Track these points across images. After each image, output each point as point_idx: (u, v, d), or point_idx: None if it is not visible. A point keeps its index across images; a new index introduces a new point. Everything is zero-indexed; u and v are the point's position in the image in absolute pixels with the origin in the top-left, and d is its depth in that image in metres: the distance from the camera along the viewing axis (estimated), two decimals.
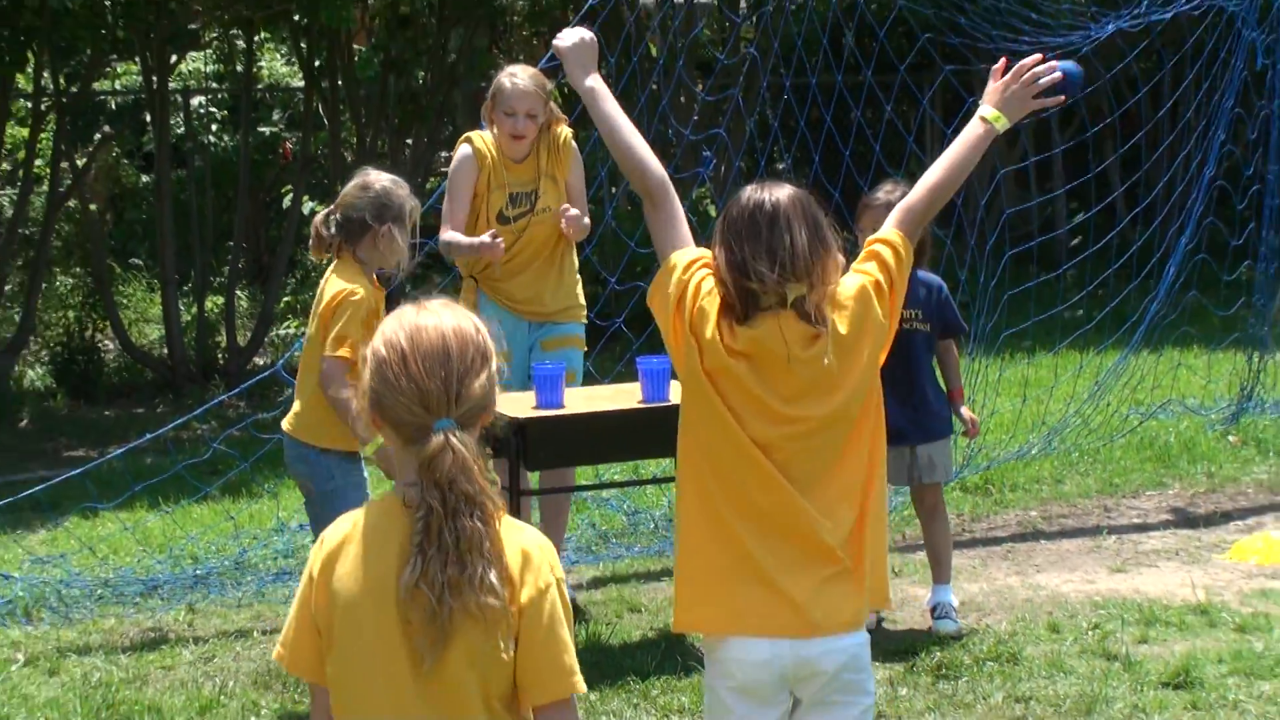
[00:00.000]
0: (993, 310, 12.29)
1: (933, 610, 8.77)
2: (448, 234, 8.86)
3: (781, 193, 4.77)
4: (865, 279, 4.81)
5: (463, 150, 8.98)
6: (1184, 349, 14.59)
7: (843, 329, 4.72)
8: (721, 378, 4.71)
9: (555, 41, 5.22)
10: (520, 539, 3.74)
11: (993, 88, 5.08)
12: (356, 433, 7.22)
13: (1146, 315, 13.06)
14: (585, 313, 9.39)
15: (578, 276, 9.33)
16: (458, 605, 3.58)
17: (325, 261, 8.02)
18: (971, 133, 4.98)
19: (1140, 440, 12.57)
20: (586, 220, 9.10)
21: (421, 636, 3.62)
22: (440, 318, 3.76)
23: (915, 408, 8.54)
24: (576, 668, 3.73)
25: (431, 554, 3.58)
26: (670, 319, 4.78)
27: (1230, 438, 12.78)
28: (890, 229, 4.89)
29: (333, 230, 7.69)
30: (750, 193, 4.81)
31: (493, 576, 3.61)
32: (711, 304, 4.71)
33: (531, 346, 9.07)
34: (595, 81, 5.09)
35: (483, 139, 8.96)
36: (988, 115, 5.04)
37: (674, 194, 4.87)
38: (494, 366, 3.80)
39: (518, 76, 8.82)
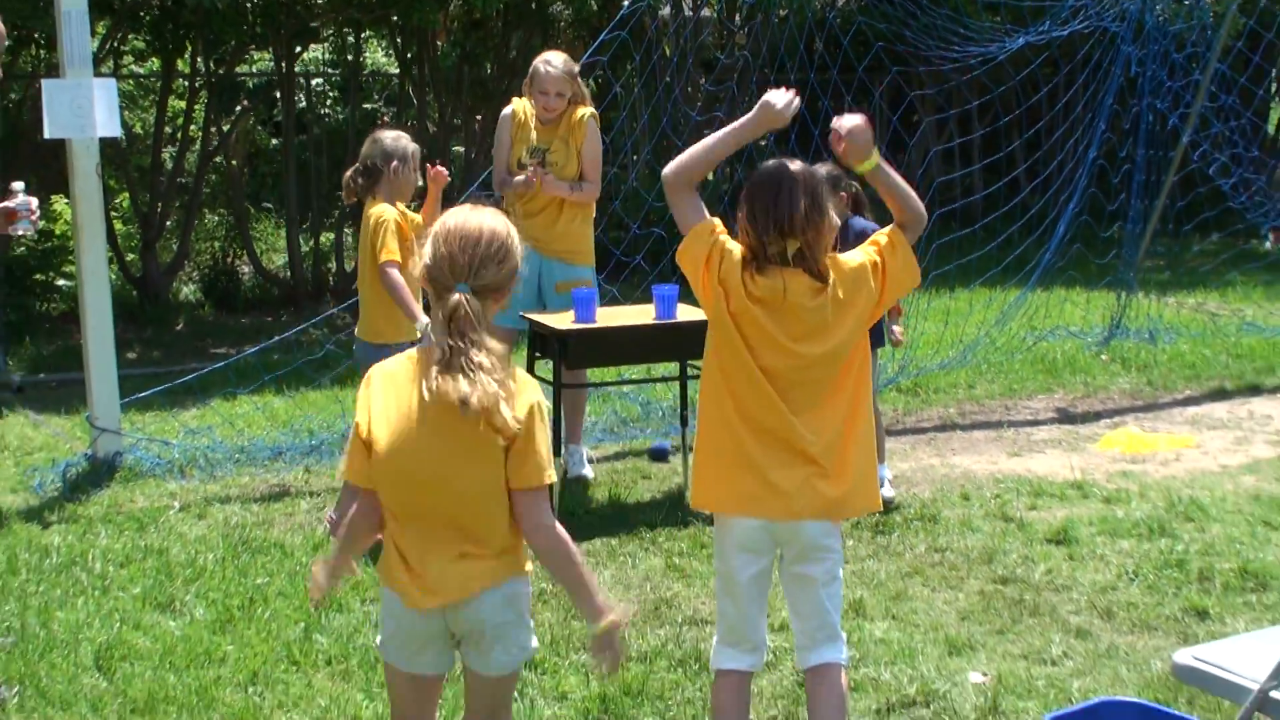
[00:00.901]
0: (924, 256, 12.32)
1: None
2: (501, 176, 9.05)
3: (794, 167, 4.93)
4: (866, 258, 4.99)
5: (505, 111, 9.12)
6: (1069, 288, 14.59)
7: (841, 292, 4.88)
8: (742, 318, 4.86)
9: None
10: (517, 374, 4.24)
11: (844, 151, 5.06)
12: (409, 311, 7.73)
13: (1041, 262, 13.11)
14: (592, 258, 9.41)
15: (588, 230, 9.32)
16: (468, 409, 4.03)
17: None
18: (879, 181, 5.08)
19: (1034, 357, 12.63)
20: (589, 184, 9.16)
21: (443, 427, 4.12)
22: (483, 217, 4.21)
23: None
24: (546, 467, 4.21)
25: (449, 376, 4.05)
26: (700, 273, 4.92)
27: (1102, 356, 12.83)
28: (890, 227, 5.09)
29: (360, 181, 7.95)
30: (770, 165, 4.97)
31: (490, 391, 4.05)
32: (734, 261, 4.87)
33: (541, 276, 9.09)
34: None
35: (522, 105, 9.04)
36: (863, 168, 5.08)
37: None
38: (515, 263, 4.23)
39: (551, 63, 8.89)
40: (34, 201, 6.42)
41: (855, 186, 8.96)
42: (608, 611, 4.21)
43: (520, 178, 8.85)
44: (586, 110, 9.12)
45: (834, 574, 5.05)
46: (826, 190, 4.96)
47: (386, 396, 4.23)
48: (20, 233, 6.45)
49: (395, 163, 7.93)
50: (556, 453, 8.72)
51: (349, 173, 8.08)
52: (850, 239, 8.77)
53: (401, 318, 7.87)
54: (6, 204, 6.27)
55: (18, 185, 6.37)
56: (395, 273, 7.78)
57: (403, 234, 7.85)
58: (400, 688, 4.50)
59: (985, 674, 6.23)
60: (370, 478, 4.26)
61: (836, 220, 4.98)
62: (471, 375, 4.04)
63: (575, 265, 9.20)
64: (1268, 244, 17.74)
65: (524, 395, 4.20)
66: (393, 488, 4.24)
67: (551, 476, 4.25)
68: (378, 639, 4.55)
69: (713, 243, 4.90)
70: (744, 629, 5.10)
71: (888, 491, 8.73)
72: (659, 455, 9.87)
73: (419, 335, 7.54)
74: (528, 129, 8.94)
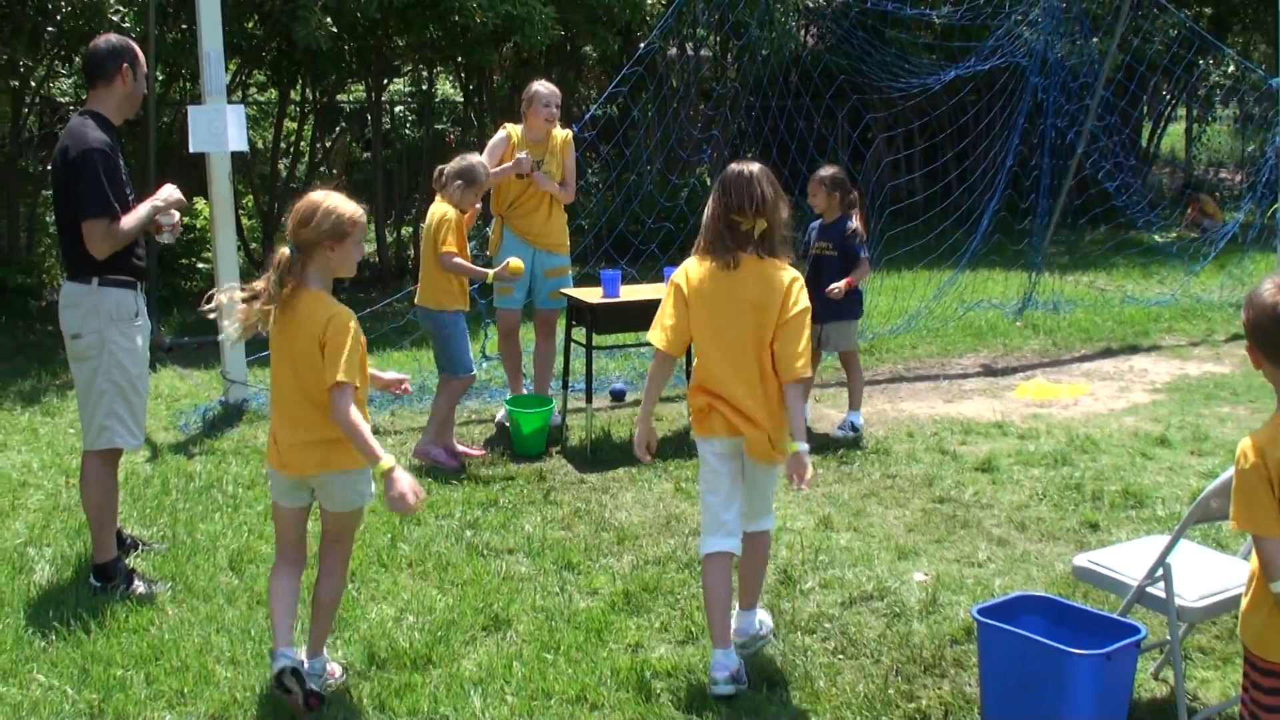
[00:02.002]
0: (877, 245, 12.31)
1: (841, 424, 8.85)
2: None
3: (755, 166, 5.10)
4: (798, 281, 5.10)
5: (501, 133, 8.90)
6: (991, 269, 14.56)
7: (777, 286, 5.03)
8: (696, 300, 5.13)
9: None
10: (320, 302, 4.83)
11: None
12: (474, 275, 8.19)
13: (969, 249, 13.06)
14: (568, 249, 9.29)
15: (566, 227, 9.22)
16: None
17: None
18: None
19: (964, 324, 12.59)
20: (568, 187, 9.05)
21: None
22: (311, 194, 4.97)
23: (823, 303, 8.58)
24: (339, 372, 4.68)
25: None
26: (672, 292, 5.21)
27: (1017, 323, 12.79)
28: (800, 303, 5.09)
29: (442, 180, 8.00)
30: (736, 166, 5.12)
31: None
32: (692, 269, 5.17)
33: (534, 265, 8.97)
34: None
35: (514, 129, 8.86)
36: (795, 448, 5.00)
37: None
38: (327, 227, 4.84)
39: (548, 86, 8.84)
40: (178, 217, 6.41)
41: (853, 193, 8.91)
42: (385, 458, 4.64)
43: (510, 163, 8.74)
44: (568, 132, 9.07)
45: (775, 472, 5.32)
46: (779, 183, 5.13)
47: None
48: (163, 240, 6.43)
49: (461, 183, 8.00)
50: (590, 400, 8.72)
51: (438, 171, 8.20)
52: (843, 235, 8.74)
53: (454, 290, 8.14)
54: (158, 218, 6.27)
55: (171, 187, 6.35)
56: (454, 260, 7.96)
57: (459, 229, 8.00)
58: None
59: (926, 574, 6.22)
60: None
61: (786, 209, 5.11)
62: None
63: (558, 254, 9.14)
64: (1157, 236, 17.69)
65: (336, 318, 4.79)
66: None
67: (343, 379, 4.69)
68: None
69: (678, 276, 5.21)
70: (724, 516, 5.21)
71: (851, 433, 8.74)
72: (618, 396, 9.98)
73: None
74: (517, 149, 8.78)
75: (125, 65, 6.11)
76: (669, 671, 5.24)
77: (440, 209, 8.02)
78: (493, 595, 6.01)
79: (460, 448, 8.38)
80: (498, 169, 8.67)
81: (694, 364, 5.25)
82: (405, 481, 4.60)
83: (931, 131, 17.41)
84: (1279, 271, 7.87)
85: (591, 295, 8.66)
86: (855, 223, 8.73)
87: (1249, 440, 3.62)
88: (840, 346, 8.95)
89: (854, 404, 8.94)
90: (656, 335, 5.19)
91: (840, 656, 5.41)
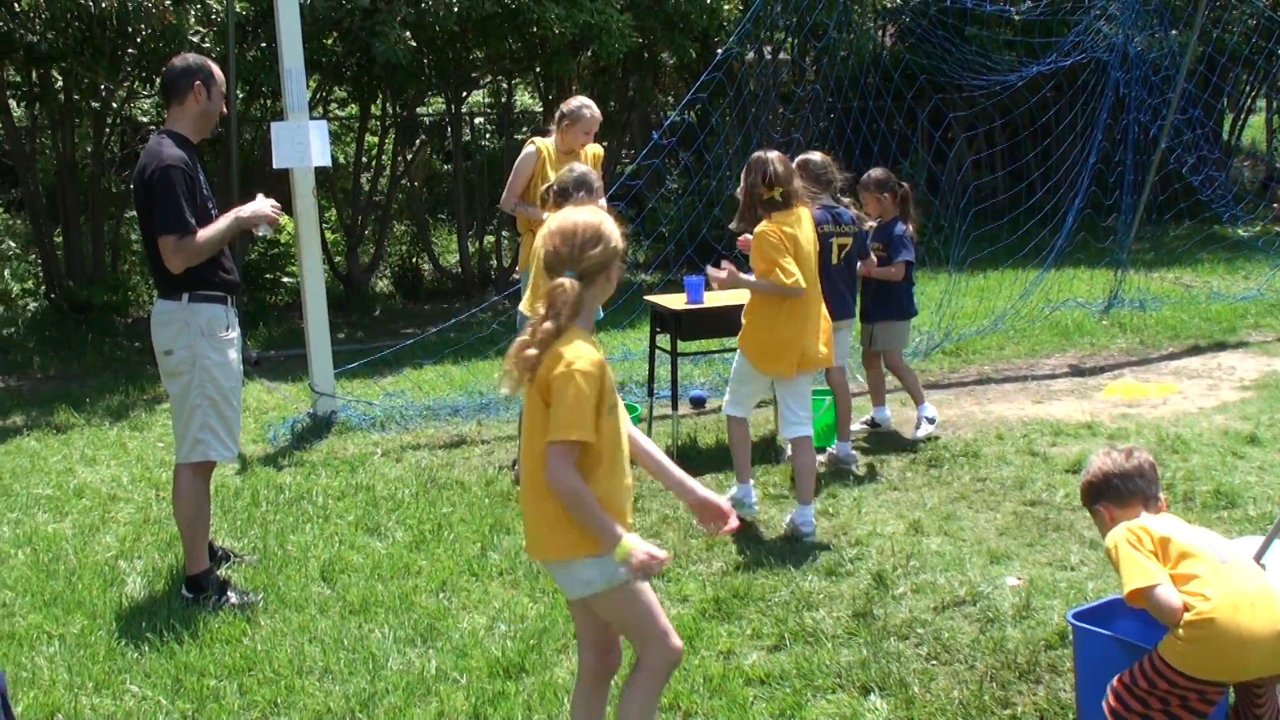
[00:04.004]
0: (961, 246, 12.20)
1: (918, 423, 8.78)
2: (512, 200, 8.54)
3: (772, 152, 6.95)
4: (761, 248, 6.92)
5: (529, 148, 8.56)
6: (1076, 268, 14.36)
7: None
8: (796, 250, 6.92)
9: None
10: (564, 347, 3.88)
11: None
12: None
13: (1054, 248, 12.89)
14: None
15: None
16: (524, 372, 3.92)
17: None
18: None
19: (1050, 323, 12.42)
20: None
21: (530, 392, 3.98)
22: (580, 214, 4.00)
23: (873, 302, 8.72)
24: (560, 426, 3.83)
25: (528, 341, 3.92)
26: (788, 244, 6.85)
27: (1103, 322, 12.61)
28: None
29: (552, 197, 7.92)
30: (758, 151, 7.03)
31: (537, 357, 3.89)
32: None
33: None
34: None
35: (544, 143, 8.57)
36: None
37: None
38: (612, 246, 3.98)
39: (591, 108, 8.49)
40: (271, 211, 6.46)
41: (904, 188, 8.83)
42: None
43: (541, 212, 8.52)
44: (598, 147, 8.88)
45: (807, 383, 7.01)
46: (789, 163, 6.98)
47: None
48: (261, 234, 6.49)
49: (582, 193, 7.86)
50: (675, 407, 8.69)
51: (544, 188, 7.98)
52: (893, 239, 8.66)
53: None
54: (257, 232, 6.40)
55: (263, 201, 6.42)
56: None
57: None
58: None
59: (1019, 578, 6.13)
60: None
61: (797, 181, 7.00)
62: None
63: None
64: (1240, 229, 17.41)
65: (562, 361, 3.87)
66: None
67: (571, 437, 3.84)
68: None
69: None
70: (749, 403, 7.21)
71: (927, 429, 8.65)
72: (698, 403, 9.92)
73: None
74: (550, 162, 8.48)
75: (198, 84, 6.18)
76: (761, 679, 5.20)
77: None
78: None
79: None
80: (526, 208, 8.46)
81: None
82: (641, 551, 3.88)
83: (1013, 129, 17.25)
84: None
85: (675, 302, 8.64)
86: (905, 226, 8.66)
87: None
88: (887, 346, 8.85)
89: (917, 399, 8.85)
90: (795, 280, 6.72)
91: (934, 662, 5.34)
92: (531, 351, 3.87)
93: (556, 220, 3.99)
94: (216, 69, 6.28)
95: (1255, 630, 4.04)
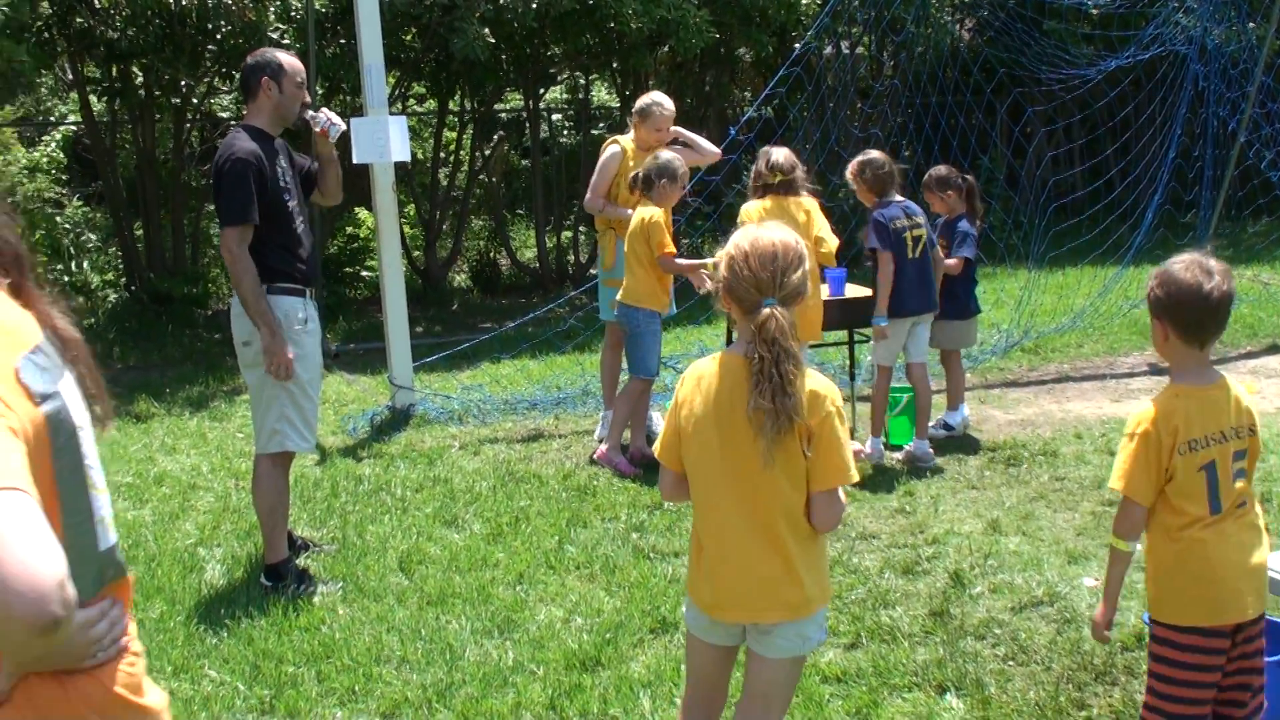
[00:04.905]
0: (1040, 242, 12.08)
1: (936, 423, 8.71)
2: (598, 201, 8.58)
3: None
4: None
5: (613, 148, 8.66)
6: (1155, 264, 14.09)
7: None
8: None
9: None
10: (812, 383, 3.56)
11: None
12: (694, 274, 8.09)
13: (1133, 244, 12.73)
14: None
15: None
16: (783, 421, 3.47)
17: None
18: None
19: (1129, 321, 12.24)
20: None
21: (761, 439, 3.49)
22: (772, 232, 3.63)
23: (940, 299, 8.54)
24: (846, 469, 3.57)
25: (764, 388, 3.46)
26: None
27: None
28: None
29: (638, 184, 7.94)
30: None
31: (800, 402, 3.49)
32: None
33: None
34: None
35: (628, 140, 8.65)
36: None
37: None
38: (807, 267, 3.63)
39: (665, 106, 8.53)
40: (326, 114, 6.51)
41: (969, 181, 8.74)
42: None
43: (625, 210, 8.42)
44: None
45: None
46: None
47: (700, 404, 3.65)
48: (333, 139, 6.48)
49: (665, 180, 7.91)
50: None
51: (632, 175, 8.10)
52: (955, 234, 8.58)
53: (657, 290, 8.04)
54: (316, 129, 6.46)
55: (310, 113, 6.47)
56: (676, 259, 8.01)
57: (668, 228, 8.03)
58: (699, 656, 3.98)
59: (1096, 579, 6.05)
60: (677, 462, 3.76)
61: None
62: (789, 394, 3.47)
63: None
64: None
65: (819, 401, 3.57)
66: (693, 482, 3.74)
67: (853, 478, 3.61)
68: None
69: None
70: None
71: (940, 433, 8.61)
72: None
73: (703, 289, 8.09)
74: (631, 160, 8.53)
75: (265, 79, 6.22)
76: (838, 677, 5.16)
77: (644, 211, 7.96)
78: (659, 598, 5.99)
79: (648, 451, 8.05)
80: (613, 208, 8.51)
81: None
82: None
83: (1092, 124, 17.05)
84: None
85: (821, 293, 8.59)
86: (971, 222, 8.58)
87: (1150, 408, 3.93)
88: (945, 344, 8.76)
89: (952, 402, 8.77)
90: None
91: (1010, 663, 5.28)
92: (789, 400, 3.49)
93: (749, 240, 3.62)
94: (288, 60, 6.30)
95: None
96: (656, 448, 3.83)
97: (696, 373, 3.73)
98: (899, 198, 8.03)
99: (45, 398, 2.16)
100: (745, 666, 3.85)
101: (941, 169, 8.80)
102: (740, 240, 3.63)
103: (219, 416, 9.95)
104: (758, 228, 3.67)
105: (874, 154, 8.22)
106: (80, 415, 2.28)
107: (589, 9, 13.62)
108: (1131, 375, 10.46)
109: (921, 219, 8.05)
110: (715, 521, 3.69)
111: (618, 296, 8.16)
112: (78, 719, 2.24)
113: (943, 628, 5.59)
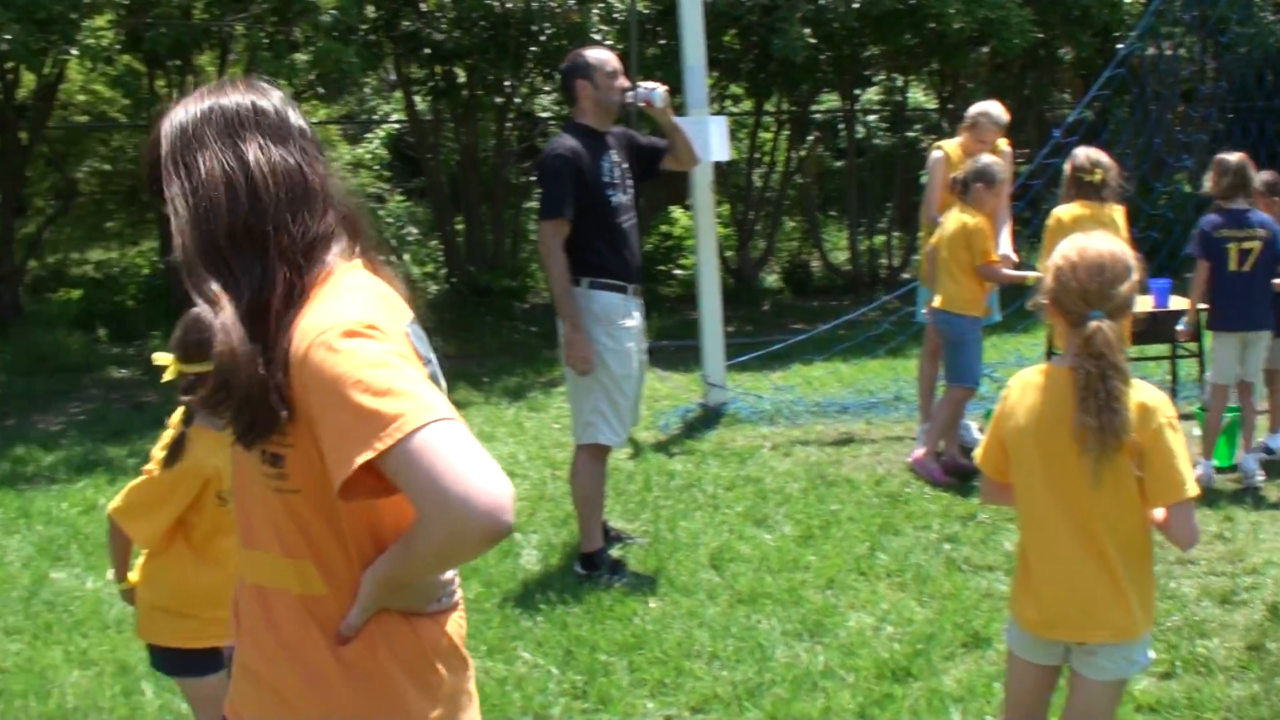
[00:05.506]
0: None
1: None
2: (932, 214, 8.38)
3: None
4: None
5: (936, 154, 8.54)
6: None
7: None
8: None
9: None
10: (1140, 395, 3.44)
11: None
12: (1013, 281, 7.87)
13: None
14: None
15: None
16: (1110, 439, 3.36)
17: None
18: None
19: None
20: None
21: (1087, 457, 3.39)
22: (1100, 242, 3.51)
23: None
24: (1183, 484, 3.42)
25: (1089, 404, 3.35)
26: None
27: None
28: None
29: (957, 188, 7.80)
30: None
31: (1128, 419, 3.37)
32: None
33: None
34: None
35: (952, 146, 8.52)
36: None
37: None
38: (1135, 279, 3.47)
39: (990, 117, 8.31)
40: (643, 86, 6.60)
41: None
42: None
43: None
44: (1002, 142, 8.53)
45: None
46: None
47: (1024, 417, 3.56)
48: (660, 105, 6.53)
49: (980, 184, 7.76)
50: None
51: (953, 180, 7.96)
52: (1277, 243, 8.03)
53: (978, 297, 7.86)
54: (641, 104, 6.58)
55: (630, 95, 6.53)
56: (999, 268, 7.82)
57: (990, 236, 7.85)
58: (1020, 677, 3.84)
59: None
60: (1002, 474, 3.70)
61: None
62: (1117, 411, 3.36)
63: None
64: None
65: (1149, 415, 3.43)
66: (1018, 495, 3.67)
67: (1193, 490, 3.45)
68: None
69: None
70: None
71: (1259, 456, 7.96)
72: None
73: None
74: (951, 168, 8.28)
75: (579, 81, 6.40)
76: (1151, 706, 4.92)
77: (961, 217, 7.78)
78: (972, 612, 5.83)
79: (963, 461, 7.87)
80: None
81: None
82: None
83: None
84: None
85: (1144, 303, 8.28)
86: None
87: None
88: (1270, 363, 8.12)
89: (1275, 425, 8.19)
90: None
91: None
92: (1116, 417, 3.36)
93: (1077, 249, 3.50)
94: (594, 54, 6.44)
95: None
96: (977, 454, 3.78)
97: (1021, 382, 3.65)
98: (1243, 205, 7.59)
99: (427, 361, 2.32)
100: (1067, 689, 3.73)
101: (1268, 174, 8.28)
102: (1068, 250, 3.52)
103: (536, 407, 10.20)
104: (1085, 237, 3.56)
105: (1229, 156, 7.75)
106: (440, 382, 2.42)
107: (911, 8, 13.45)
108: None
109: (1261, 231, 7.57)
110: (1042, 539, 3.60)
111: (935, 303, 7.99)
112: (422, 658, 2.37)
113: (1258, 663, 5.27)
